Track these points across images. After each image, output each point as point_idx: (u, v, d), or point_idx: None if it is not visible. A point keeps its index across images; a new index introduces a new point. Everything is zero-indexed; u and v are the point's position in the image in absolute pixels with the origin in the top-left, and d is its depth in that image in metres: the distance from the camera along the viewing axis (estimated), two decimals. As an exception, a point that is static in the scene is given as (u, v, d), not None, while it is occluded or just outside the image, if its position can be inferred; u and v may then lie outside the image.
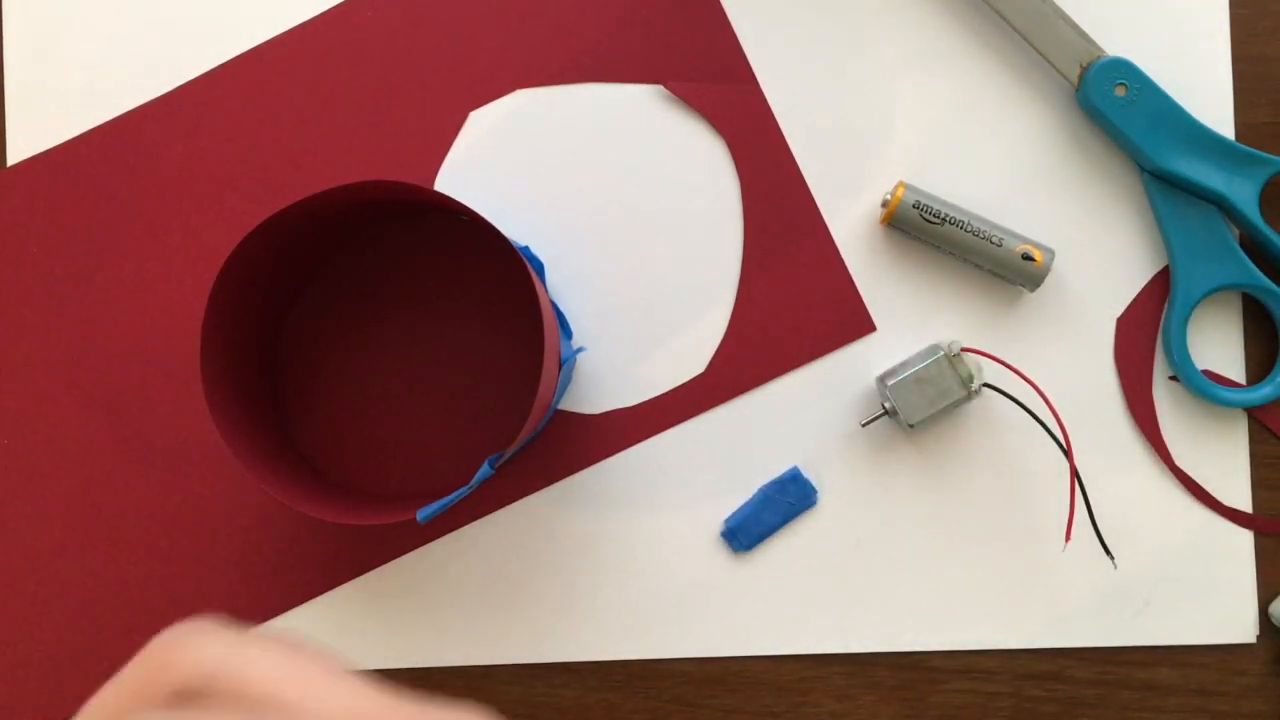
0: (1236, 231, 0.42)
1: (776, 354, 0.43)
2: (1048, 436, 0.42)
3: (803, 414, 0.43)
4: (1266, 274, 0.42)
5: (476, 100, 0.44)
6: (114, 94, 0.44)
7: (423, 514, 0.36)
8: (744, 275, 0.43)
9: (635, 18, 0.43)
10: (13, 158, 0.44)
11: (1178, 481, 0.42)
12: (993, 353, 0.42)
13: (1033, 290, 0.42)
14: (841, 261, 0.43)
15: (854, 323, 0.43)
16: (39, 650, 0.43)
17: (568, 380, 0.42)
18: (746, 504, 0.42)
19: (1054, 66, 0.42)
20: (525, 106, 0.44)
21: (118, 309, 0.44)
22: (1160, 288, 0.43)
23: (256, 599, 0.43)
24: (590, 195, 0.43)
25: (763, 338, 0.43)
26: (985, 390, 0.42)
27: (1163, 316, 0.43)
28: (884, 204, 0.42)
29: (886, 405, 0.41)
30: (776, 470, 0.43)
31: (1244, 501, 0.42)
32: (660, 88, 0.43)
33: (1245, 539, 0.42)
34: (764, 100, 0.43)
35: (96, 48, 0.44)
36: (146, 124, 0.44)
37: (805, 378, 0.43)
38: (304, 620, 0.43)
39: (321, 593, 0.43)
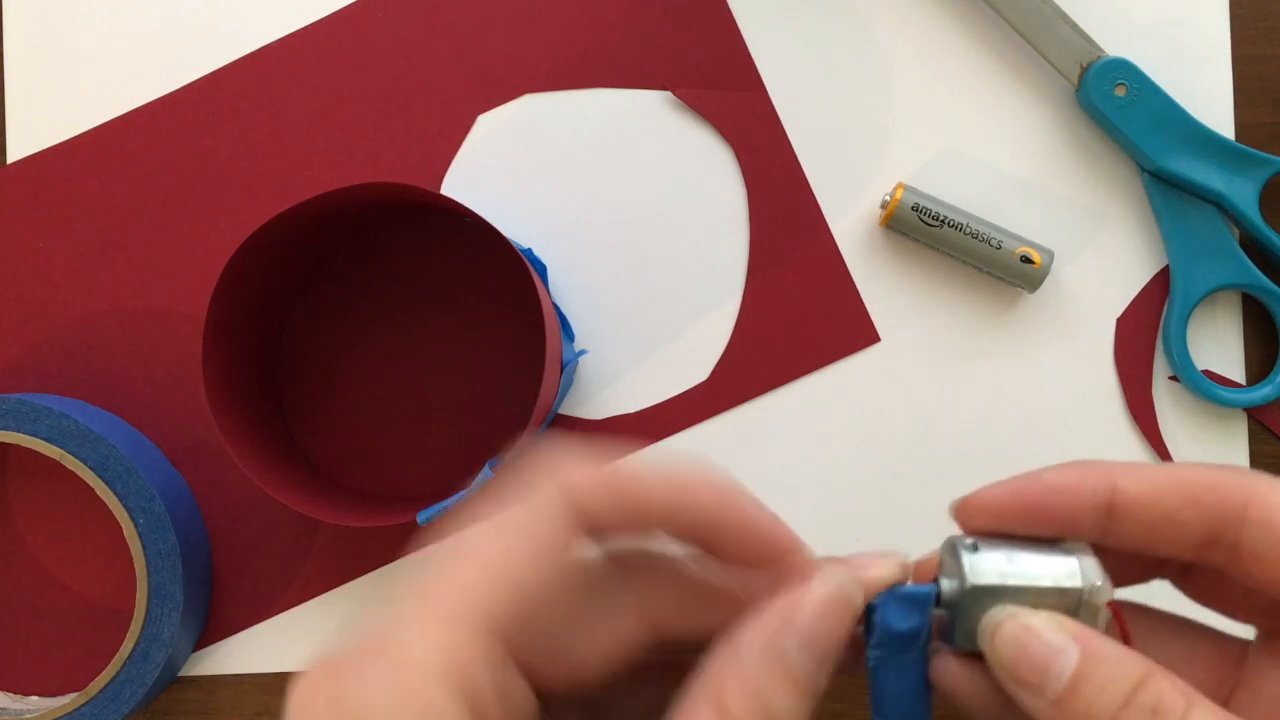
0: (1236, 231, 0.42)
1: (780, 363, 0.43)
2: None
3: (806, 424, 0.43)
4: (1266, 274, 0.42)
5: (485, 104, 0.44)
6: (115, 93, 0.44)
7: (423, 516, 0.36)
8: (748, 283, 0.43)
9: (645, 23, 0.43)
10: (13, 156, 0.44)
11: (1177, 481, 0.42)
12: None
13: (1032, 291, 0.42)
14: (847, 272, 0.43)
15: (858, 334, 0.43)
16: (35, 641, 0.44)
17: (569, 383, 0.42)
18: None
19: (1054, 66, 0.42)
20: (533, 111, 0.43)
21: (119, 308, 0.44)
22: (1160, 288, 0.43)
23: (256, 599, 0.43)
24: (596, 200, 0.43)
25: (767, 346, 0.43)
26: None
27: (1162, 316, 0.43)
28: (883, 205, 0.42)
29: (945, 590, 0.26)
30: (780, 480, 0.43)
31: (1243, 501, 0.42)
32: (668, 94, 0.43)
33: (1244, 539, 0.42)
34: (772, 107, 0.43)
35: (97, 47, 0.44)
36: (150, 123, 0.44)
37: (808, 387, 0.43)
38: (304, 620, 0.43)
39: (321, 593, 0.43)
